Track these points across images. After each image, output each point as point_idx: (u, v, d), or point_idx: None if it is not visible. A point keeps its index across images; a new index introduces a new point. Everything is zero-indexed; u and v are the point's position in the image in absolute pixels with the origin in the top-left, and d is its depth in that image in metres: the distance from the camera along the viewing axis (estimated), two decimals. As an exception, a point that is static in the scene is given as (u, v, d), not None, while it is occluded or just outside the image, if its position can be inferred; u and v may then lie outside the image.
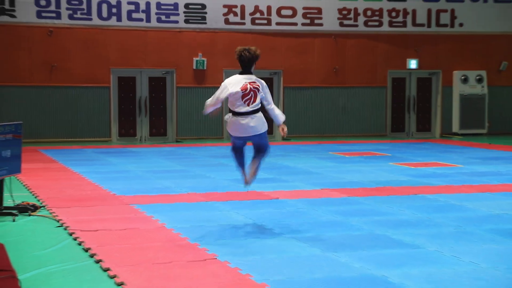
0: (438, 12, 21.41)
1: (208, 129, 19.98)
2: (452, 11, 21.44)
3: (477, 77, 21.49)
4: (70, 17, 18.79)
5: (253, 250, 6.53)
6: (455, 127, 21.53)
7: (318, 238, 7.04)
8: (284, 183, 11.06)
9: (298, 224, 7.81)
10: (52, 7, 18.62)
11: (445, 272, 5.78)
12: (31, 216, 8.24)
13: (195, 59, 19.69)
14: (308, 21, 20.53)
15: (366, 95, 21.14)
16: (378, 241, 6.92)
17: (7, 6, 18.28)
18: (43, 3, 18.52)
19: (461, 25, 21.50)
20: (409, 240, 6.92)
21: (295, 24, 20.45)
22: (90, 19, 18.96)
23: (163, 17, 19.51)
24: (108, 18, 19.08)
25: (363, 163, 13.93)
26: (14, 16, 18.36)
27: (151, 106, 19.72)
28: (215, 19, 19.83)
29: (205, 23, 19.81)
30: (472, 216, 8.24)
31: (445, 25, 21.50)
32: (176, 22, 19.60)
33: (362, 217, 8.21)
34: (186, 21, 19.67)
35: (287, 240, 6.99)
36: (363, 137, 20.47)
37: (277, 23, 20.34)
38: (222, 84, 7.85)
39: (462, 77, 21.48)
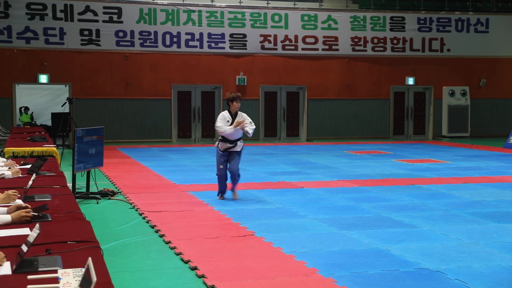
0: (431, 40, 21.10)
1: (248, 132, 19.94)
2: (442, 39, 21.12)
3: (462, 92, 21.14)
4: (141, 45, 18.97)
5: (283, 228, 6.50)
6: (444, 131, 21.19)
7: (335, 219, 6.98)
8: (307, 175, 10.99)
9: (319, 208, 7.75)
10: (128, 37, 18.83)
11: (436, 246, 5.69)
12: (110, 200, 8.32)
13: (237, 77, 19.71)
14: (327, 47, 20.38)
15: (373, 105, 20.92)
16: (383, 222, 6.83)
17: (94, 37, 18.54)
18: (121, 34, 18.73)
19: (448, 50, 21.19)
20: (407, 221, 6.82)
21: (317, 49, 20.32)
22: (157, 46, 19.11)
23: (213, 44, 19.57)
24: (171, 45, 19.21)
25: (370, 160, 13.78)
26: (99, 45, 18.61)
27: (203, 114, 19.78)
28: (253, 45, 19.82)
29: (246, 48, 19.81)
30: (458, 202, 8.09)
31: (436, 50, 21.19)
32: (223, 48, 19.65)
33: (370, 202, 8.12)
34: (231, 47, 19.69)
35: (310, 220, 6.94)
36: (370, 139, 20.25)
37: (302, 49, 20.24)
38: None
39: (450, 92, 21.14)
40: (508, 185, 9.71)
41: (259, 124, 20.12)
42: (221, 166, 8.19)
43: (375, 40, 20.70)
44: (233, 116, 8.26)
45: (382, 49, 20.79)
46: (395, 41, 20.86)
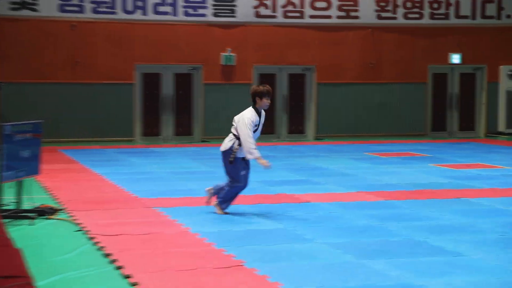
0: (484, 3, 21.13)
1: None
2: (499, 1, 21.16)
3: (525, 72, 21.22)
4: (94, 10, 18.92)
5: (282, 256, 6.48)
6: (501, 126, 21.25)
7: (352, 244, 6.97)
8: (315, 185, 10.99)
9: (331, 229, 7.74)
10: (75, 0, 18.77)
11: (490, 282, 5.68)
12: (49, 220, 8.28)
13: (223, 54, 19.69)
14: (343, 13, 20.40)
15: (404, 91, 20.93)
16: (417, 248, 6.83)
17: (27, -1, 18.48)
18: (64, -4, 18.69)
19: (508, 16, 21.22)
20: (451, 247, 6.82)
21: (330, 16, 20.34)
22: (115, 13, 19.07)
23: (190, 10, 19.54)
24: (133, 11, 19.18)
25: (400, 164, 13.79)
26: (35, 10, 18.54)
27: (177, 104, 19.77)
28: (245, 12, 19.81)
29: (235, 16, 19.80)
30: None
31: (491, 17, 21.22)
32: (204, 15, 19.63)
33: (400, 222, 8.11)
34: (215, 14, 19.68)
35: (319, 246, 6.93)
36: (400, 137, 20.28)
37: (311, 16, 20.25)
38: None
39: (509, 72, 21.19)
40: None
41: (252, 117, 20.07)
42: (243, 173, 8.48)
43: (408, 4, 20.74)
44: (259, 116, 8.47)
45: (417, 16, 20.84)
46: (435, 5, 20.91)
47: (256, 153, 8.26)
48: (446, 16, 20.99)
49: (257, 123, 8.43)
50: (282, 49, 20.13)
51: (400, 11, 20.68)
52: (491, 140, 19.68)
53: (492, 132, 21.21)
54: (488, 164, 13.77)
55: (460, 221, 8.14)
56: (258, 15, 19.92)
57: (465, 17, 21.09)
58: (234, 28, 19.87)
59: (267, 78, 20.26)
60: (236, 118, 8.52)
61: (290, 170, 12.84)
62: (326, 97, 20.46)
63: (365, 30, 20.55)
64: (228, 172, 8.51)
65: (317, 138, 20.11)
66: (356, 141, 19.13)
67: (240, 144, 8.32)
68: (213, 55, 19.71)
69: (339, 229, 7.73)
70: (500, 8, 21.18)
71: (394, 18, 20.67)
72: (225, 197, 8.55)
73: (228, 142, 8.46)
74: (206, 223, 8.04)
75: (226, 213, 8.53)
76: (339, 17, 20.38)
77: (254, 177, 11.80)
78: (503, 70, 21.20)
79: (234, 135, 8.43)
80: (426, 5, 20.81)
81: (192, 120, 19.92)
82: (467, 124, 21.55)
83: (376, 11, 20.55)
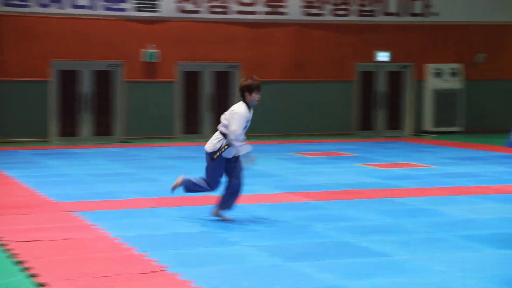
0: (412, 0, 21.59)
1: (159, 128, 19.83)
2: (426, -1, 21.70)
3: (452, 71, 21.77)
4: (4, 3, 18.47)
5: (207, 261, 6.48)
6: (428, 125, 21.77)
7: (279, 247, 7.02)
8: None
9: (257, 231, 7.78)
10: (-15, -8, 18.30)
11: (415, 282, 5.81)
12: (-42, 225, 8.04)
13: (145, 50, 19.54)
14: (270, 9, 20.54)
15: (331, 90, 21.23)
16: (343, 249, 6.93)
17: None
18: (-26, -13, 18.20)
19: (436, 14, 21.71)
20: (377, 248, 6.95)
21: (256, 12, 20.44)
22: (27, 6, 18.67)
23: (110, 5, 19.31)
24: (48, 5, 18.81)
25: (327, 164, 13.98)
26: None
27: (96, 103, 19.50)
28: (167, 6, 19.70)
29: (157, 11, 19.67)
30: (444, 221, 8.32)
31: (419, 14, 21.71)
32: (125, 9, 19.42)
33: (326, 223, 8.22)
34: (137, 9, 19.50)
35: (245, 249, 6.95)
36: (327, 136, 20.56)
37: (237, 11, 20.31)
38: None
39: (435, 71, 21.72)
40: (509, 197, 10.08)
41: (174, 116, 20.03)
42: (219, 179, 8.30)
43: (336, 1, 21.03)
44: (249, 111, 8.21)
45: (345, 13, 21.15)
46: (363, 2, 21.26)
47: (246, 148, 8.08)
48: (374, 13, 21.37)
49: (249, 118, 8.20)
50: (207, 45, 20.11)
51: (328, 8, 20.94)
52: (418, 139, 20.15)
53: (419, 131, 21.72)
54: (414, 163, 14.10)
55: (386, 222, 8.31)
56: (181, 10, 19.85)
57: (393, 14, 21.52)
58: (157, 23, 19.75)
59: (192, 76, 20.23)
60: (227, 113, 8.23)
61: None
62: (252, 95, 20.51)
63: (292, 27, 20.74)
64: (206, 172, 8.24)
65: (244, 138, 20.13)
66: (283, 141, 19.28)
67: (228, 144, 8.08)
68: (134, 51, 19.53)
69: (266, 231, 7.78)
70: (427, 6, 21.69)
71: (322, 15, 20.93)
72: (224, 201, 8.26)
73: (216, 143, 8.11)
74: (128, 227, 7.96)
75: (231, 219, 8.25)
76: (266, 13, 20.50)
77: (176, 178, 11.76)
78: (430, 68, 21.73)
79: (222, 133, 8.13)
80: (354, 2, 21.15)
81: (112, 120, 19.69)
82: (394, 123, 22.02)
83: (304, 7, 20.76)
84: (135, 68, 19.62)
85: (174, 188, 8.48)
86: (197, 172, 12.66)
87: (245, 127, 8.18)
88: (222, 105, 20.46)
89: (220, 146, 8.10)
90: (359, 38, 21.30)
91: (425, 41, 21.77)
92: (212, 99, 20.37)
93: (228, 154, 8.15)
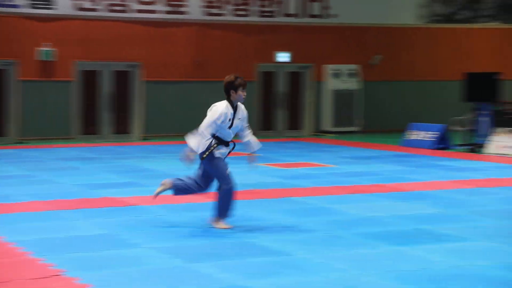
0: (311, 1, 21.96)
1: (57, 128, 19.42)
2: (326, 1, 22.05)
3: (350, 72, 22.26)
4: None
5: (107, 264, 6.42)
6: (327, 125, 22.19)
7: (181, 248, 7.03)
8: (143, 187, 10.95)
9: (159, 232, 7.76)
10: None
11: (314, 280, 5.95)
12: None
13: (40, 49, 19.08)
14: (170, 8, 20.45)
15: (233, 90, 21.27)
16: (244, 249, 7.01)
17: None
18: None
19: (334, 15, 22.13)
20: (278, 247, 7.06)
21: (156, 11, 20.31)
22: None
23: (2, 0, 18.74)
24: None
25: (228, 165, 14.02)
26: None
27: (-10, 102, 18.92)
28: (64, 3, 19.31)
29: (53, 8, 19.25)
30: (343, 220, 8.53)
31: (318, 16, 22.09)
32: (19, 6, 18.91)
33: (228, 223, 8.27)
34: (32, 6, 19.02)
35: (146, 251, 6.93)
36: (230, 136, 20.62)
37: (137, 10, 20.12)
38: None
39: (334, 72, 22.17)
40: (406, 195, 10.44)
41: (72, 117, 19.66)
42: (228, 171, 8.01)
43: (237, 1, 21.15)
44: (234, 110, 7.95)
45: (246, 13, 21.30)
46: (263, 3, 21.46)
47: (196, 148, 7.83)
48: (274, 14, 21.61)
49: (230, 117, 7.86)
50: (106, 44, 19.84)
51: (228, 8, 21.04)
52: (318, 139, 20.51)
53: (319, 131, 22.12)
54: (314, 163, 14.36)
55: (287, 221, 8.44)
56: (79, 8, 19.50)
57: (293, 15, 21.83)
58: (53, 21, 19.33)
59: (90, 76, 19.91)
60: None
61: (115, 172, 12.70)
62: (154, 95, 20.42)
63: (193, 27, 20.73)
64: (212, 175, 7.92)
65: (145, 138, 20.01)
66: (184, 141, 19.17)
67: (217, 143, 7.87)
68: (29, 50, 19.05)
69: (167, 232, 7.77)
70: (326, 8, 22.10)
71: (222, 15, 21.00)
72: (222, 207, 7.91)
73: (205, 142, 7.90)
74: (23, 231, 7.78)
75: (231, 227, 7.95)
76: (166, 12, 20.40)
77: (74, 180, 11.58)
78: (329, 69, 22.16)
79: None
80: (254, 2, 21.32)
81: (7, 120, 19.13)
82: (295, 123, 22.33)
83: (204, 7, 20.77)
84: (30, 67, 19.14)
85: (158, 193, 8.19)
86: (96, 173, 12.52)
87: (231, 126, 7.93)
88: (122, 105, 20.27)
89: (209, 145, 7.87)
90: (259, 38, 21.50)
91: (324, 42, 22.19)
92: (111, 99, 20.12)
93: (219, 153, 7.97)
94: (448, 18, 23.48)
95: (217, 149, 7.91)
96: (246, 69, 21.41)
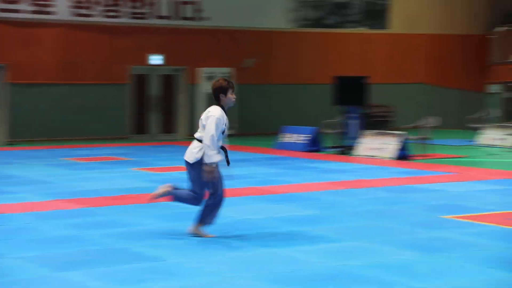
0: (183, 3, 21.92)
1: None
2: (198, 3, 22.07)
3: (223, 75, 22.37)
4: None
5: (-32, 276, 6.12)
6: (202, 128, 22.15)
7: (48, 257, 6.81)
8: (8, 194, 10.57)
9: (24, 241, 7.49)
10: None
11: (187, 285, 5.91)
12: None
13: None
14: (36, 8, 19.85)
15: (103, 93, 20.98)
16: (117, 256, 6.87)
17: None
18: None
19: (207, 18, 22.18)
20: (151, 253, 6.97)
21: (21, 11, 19.65)
22: None
23: None
24: None
25: (100, 169, 13.79)
26: None
27: None
28: None
29: None
30: (218, 223, 8.51)
31: (190, 18, 22.08)
32: None
33: (100, 229, 8.11)
34: None
35: (11, 261, 6.67)
36: (100, 141, 20.27)
37: (1, 10, 19.40)
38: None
39: (208, 75, 22.23)
40: (278, 197, 10.57)
41: None
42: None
43: (107, 2, 20.82)
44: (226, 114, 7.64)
45: (116, 14, 21.00)
46: (134, 4, 21.23)
47: (216, 158, 7.39)
48: (146, 16, 21.42)
49: (225, 122, 7.55)
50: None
51: (98, 9, 20.66)
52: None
53: (193, 134, 22.03)
54: (189, 167, 14.30)
55: (160, 226, 8.36)
56: None
57: (165, 17, 21.71)
58: None
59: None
60: (202, 117, 7.61)
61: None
62: (20, 98, 19.75)
63: (61, 28, 20.23)
64: (204, 182, 7.51)
65: (9, 143, 19.30)
66: (54, 146, 18.73)
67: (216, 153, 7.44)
68: None
69: (34, 241, 7.50)
70: (198, 10, 22.12)
71: (92, 16, 20.61)
72: (207, 215, 7.62)
73: (197, 152, 7.50)
74: None
75: (212, 236, 7.66)
76: (32, 12, 19.79)
77: None
78: (202, 72, 22.20)
79: (200, 141, 7.55)
80: (125, 4, 21.05)
81: None
82: (169, 127, 22.22)
83: (72, 7, 20.31)
84: None
85: (155, 196, 7.77)
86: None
87: (223, 132, 7.59)
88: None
89: (203, 155, 7.45)
90: (131, 40, 21.25)
91: (198, 45, 22.21)
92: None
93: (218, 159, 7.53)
94: (318, 23, 24.05)
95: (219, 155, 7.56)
96: (118, 71, 21.12)
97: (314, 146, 17.56)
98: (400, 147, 15.61)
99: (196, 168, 7.53)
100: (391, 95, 23.73)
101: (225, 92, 7.61)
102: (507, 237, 7.75)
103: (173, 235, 7.84)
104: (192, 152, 7.58)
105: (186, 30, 22.03)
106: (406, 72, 25.21)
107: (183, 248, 7.22)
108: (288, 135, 18.27)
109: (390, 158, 15.51)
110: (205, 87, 22.15)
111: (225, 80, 7.71)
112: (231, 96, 7.65)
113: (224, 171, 7.75)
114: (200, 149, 7.50)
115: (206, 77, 22.21)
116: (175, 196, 7.83)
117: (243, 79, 22.77)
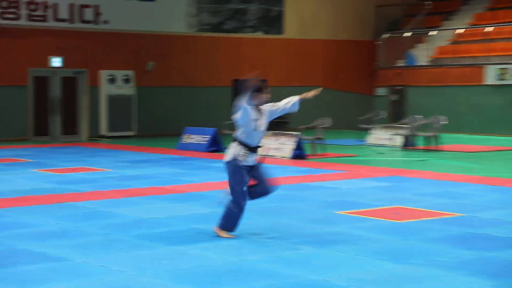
0: (82, 7, 21.55)
1: None
2: (97, 7, 21.73)
3: (125, 77, 22.15)
4: None
5: None
6: (104, 130, 21.91)
7: None
8: None
9: None
10: None
11: (92, 284, 5.84)
12: None
13: None
14: None
15: (4, 95, 20.40)
16: (19, 257, 6.72)
17: None
18: None
19: (106, 22, 21.89)
20: (54, 253, 6.85)
21: None
22: None
23: None
24: None
25: (1, 171, 13.41)
26: None
27: None
28: None
29: None
30: (120, 223, 8.45)
31: (90, 21, 21.72)
32: None
33: (2, 231, 7.89)
34: None
35: None
36: (1, 142, 19.68)
37: None
38: None
39: (109, 77, 21.94)
40: (181, 196, 10.57)
41: None
42: (245, 189, 7.43)
43: (4, 4, 20.25)
44: (257, 111, 7.54)
45: (14, 16, 20.43)
46: (32, 6, 20.71)
47: (296, 97, 7.71)
48: (45, 18, 20.93)
49: (256, 117, 7.49)
50: None
51: (-3, 10, 20.08)
52: (94, 144, 20.16)
53: (95, 136, 21.76)
54: (91, 168, 14.10)
55: (63, 226, 8.21)
56: None
57: (64, 20, 21.27)
58: None
59: None
60: (237, 115, 7.52)
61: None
62: None
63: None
64: (229, 185, 7.47)
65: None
66: None
67: (246, 152, 7.37)
68: None
69: None
70: (98, 14, 21.79)
71: (-9, 17, 20.00)
72: (226, 219, 7.52)
73: (231, 150, 7.46)
74: None
75: (233, 236, 7.54)
76: None
77: None
78: (103, 75, 21.90)
79: (235, 140, 7.46)
80: (23, 5, 20.51)
81: None
82: (70, 128, 21.80)
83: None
84: None
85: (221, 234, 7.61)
86: None
87: (255, 129, 7.48)
88: None
89: (235, 154, 7.39)
90: (31, 43, 20.73)
91: (99, 48, 21.89)
92: None
93: (249, 161, 7.45)
94: (217, 28, 24.14)
95: (247, 159, 7.49)
96: (18, 74, 20.59)
97: (215, 146, 17.61)
98: (296, 147, 15.87)
99: (231, 166, 7.50)
100: (287, 97, 24.07)
101: (260, 91, 7.61)
102: (395, 231, 8.03)
103: (77, 235, 7.72)
104: (228, 152, 7.58)
105: (87, 33, 21.67)
106: (301, 75, 25.63)
107: (87, 247, 7.12)
108: (189, 136, 18.25)
109: (286, 157, 15.74)
110: (107, 89, 21.87)
111: (260, 80, 7.77)
112: (264, 95, 7.67)
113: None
114: (234, 147, 7.49)
115: (108, 79, 21.92)
116: (228, 225, 7.65)
117: (144, 82, 22.61)
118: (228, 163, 7.51)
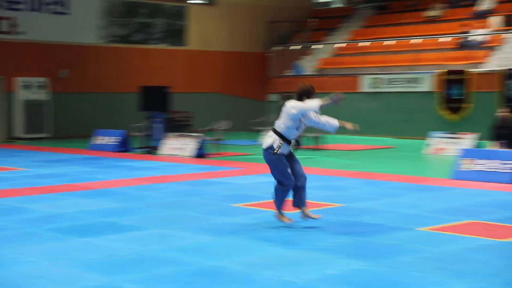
0: (1, 19, 20.78)
1: None
2: (14, 19, 21.03)
3: (40, 84, 21.55)
4: None
5: None
6: (19, 132, 21.22)
7: None
8: None
9: None
10: None
11: (6, 275, 5.62)
12: None
13: None
14: None
15: None
16: None
17: None
18: None
19: (23, 32, 21.24)
20: (-30, 247, 6.54)
21: None
22: None
23: None
24: None
25: None
26: None
27: None
28: None
29: None
30: (34, 217, 8.18)
31: (8, 32, 21.00)
32: None
33: None
34: None
35: None
36: None
37: None
38: None
39: (25, 84, 21.30)
40: (91, 192, 10.32)
41: None
42: (289, 170, 7.41)
43: None
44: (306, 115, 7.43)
45: None
46: (-48, 18, 19.74)
47: (336, 121, 7.53)
48: (-36, 28, 20.04)
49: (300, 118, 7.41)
50: None
51: None
52: (11, 145, 19.45)
53: (11, 137, 21.04)
54: (7, 167, 13.58)
55: (-20, 222, 7.86)
56: None
57: (-17, 30, 20.48)
58: None
59: None
60: (285, 109, 7.33)
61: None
62: None
63: None
64: (272, 172, 7.43)
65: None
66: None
67: (282, 142, 7.28)
68: None
69: None
70: (14, 25, 21.10)
71: None
72: (278, 202, 7.54)
73: (267, 138, 7.38)
74: None
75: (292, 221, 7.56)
76: None
77: None
78: (19, 81, 21.24)
79: (274, 131, 7.32)
80: None
81: None
82: (-12, 131, 20.96)
83: None
84: None
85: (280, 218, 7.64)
86: None
87: (298, 128, 7.42)
88: None
89: (273, 143, 7.31)
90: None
91: (15, 56, 21.17)
92: None
93: (285, 150, 7.39)
94: (125, 39, 23.82)
95: (283, 148, 7.43)
96: None
97: (124, 147, 17.32)
98: (198, 147, 15.81)
99: (269, 154, 7.40)
100: (190, 102, 23.94)
101: (309, 95, 7.44)
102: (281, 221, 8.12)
103: (-8, 230, 7.41)
104: (265, 140, 7.48)
105: (3, 42, 20.89)
106: (203, 83, 25.60)
107: (2, 240, 6.84)
108: (100, 137, 17.87)
109: (189, 156, 15.67)
110: (22, 95, 21.17)
111: (311, 86, 7.55)
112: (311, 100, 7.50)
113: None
114: (270, 136, 7.41)
115: (23, 86, 21.23)
116: (279, 205, 7.68)
117: (58, 88, 22.01)
118: (265, 151, 7.46)
